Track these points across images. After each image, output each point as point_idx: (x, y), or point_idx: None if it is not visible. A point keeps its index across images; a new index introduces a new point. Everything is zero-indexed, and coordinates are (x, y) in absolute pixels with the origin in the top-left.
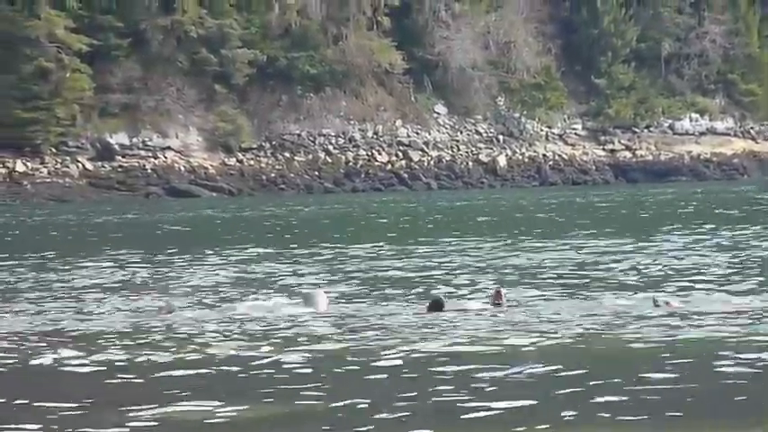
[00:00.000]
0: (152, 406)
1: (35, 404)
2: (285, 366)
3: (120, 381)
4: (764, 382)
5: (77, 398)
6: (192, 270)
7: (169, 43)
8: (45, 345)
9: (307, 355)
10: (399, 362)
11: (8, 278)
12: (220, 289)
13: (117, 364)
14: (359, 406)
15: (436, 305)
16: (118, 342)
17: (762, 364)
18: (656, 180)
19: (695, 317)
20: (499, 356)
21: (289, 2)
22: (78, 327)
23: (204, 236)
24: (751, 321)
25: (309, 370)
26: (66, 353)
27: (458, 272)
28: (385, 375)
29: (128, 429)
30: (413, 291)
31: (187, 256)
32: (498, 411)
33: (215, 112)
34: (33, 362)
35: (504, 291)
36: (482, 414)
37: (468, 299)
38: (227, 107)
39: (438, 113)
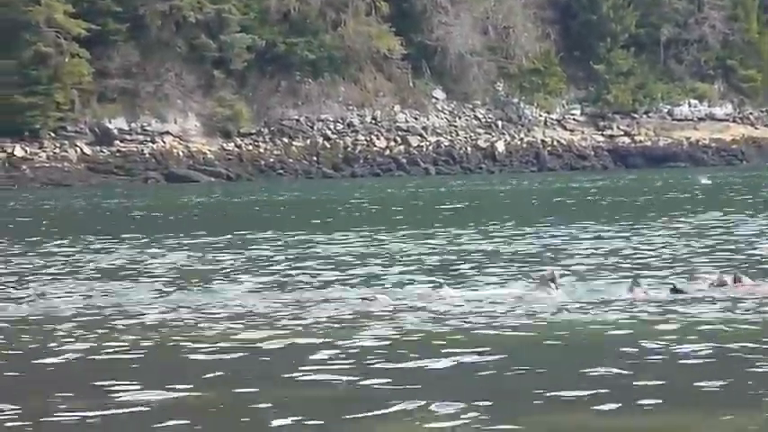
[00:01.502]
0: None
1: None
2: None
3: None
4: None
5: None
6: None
7: (168, 28)
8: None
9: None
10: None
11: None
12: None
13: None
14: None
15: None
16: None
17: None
18: (655, 166)
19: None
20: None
21: None
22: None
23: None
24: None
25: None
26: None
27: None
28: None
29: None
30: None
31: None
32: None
33: (213, 97)
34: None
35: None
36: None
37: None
38: (225, 92)
39: (436, 99)
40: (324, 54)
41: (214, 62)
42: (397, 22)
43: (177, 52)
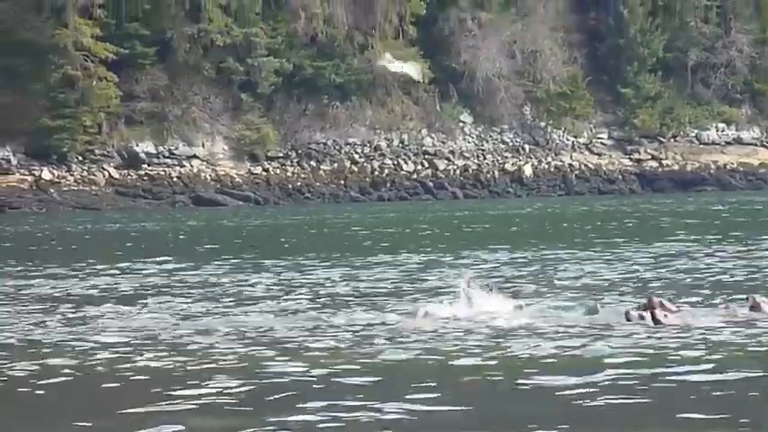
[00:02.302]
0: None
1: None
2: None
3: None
4: None
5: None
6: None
7: (195, 52)
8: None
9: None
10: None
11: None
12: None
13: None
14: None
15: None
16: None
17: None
18: (683, 190)
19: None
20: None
21: (315, 11)
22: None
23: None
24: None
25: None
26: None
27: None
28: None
29: None
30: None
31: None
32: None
33: (241, 120)
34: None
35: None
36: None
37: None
38: (253, 116)
39: (464, 123)
40: (351, 77)
41: (241, 86)
42: (424, 45)
43: (205, 76)
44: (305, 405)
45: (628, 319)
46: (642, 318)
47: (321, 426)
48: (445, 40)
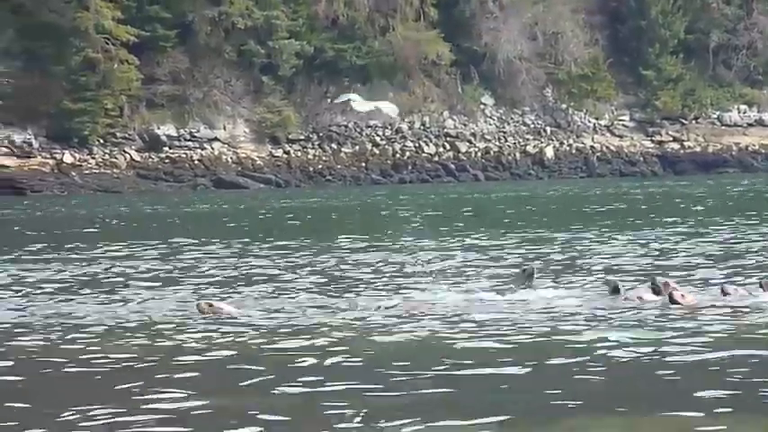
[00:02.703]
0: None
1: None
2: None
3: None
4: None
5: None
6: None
7: (216, 34)
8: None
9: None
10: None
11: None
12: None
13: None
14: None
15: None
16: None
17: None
18: (705, 172)
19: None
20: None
21: None
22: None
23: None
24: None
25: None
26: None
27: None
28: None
29: None
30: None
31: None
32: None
33: (262, 103)
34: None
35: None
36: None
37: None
38: (274, 99)
39: (485, 105)
40: (372, 60)
41: (262, 68)
42: (445, 27)
43: (226, 58)
44: (286, 387)
45: (626, 299)
46: (641, 299)
47: (298, 407)
48: (466, 23)
